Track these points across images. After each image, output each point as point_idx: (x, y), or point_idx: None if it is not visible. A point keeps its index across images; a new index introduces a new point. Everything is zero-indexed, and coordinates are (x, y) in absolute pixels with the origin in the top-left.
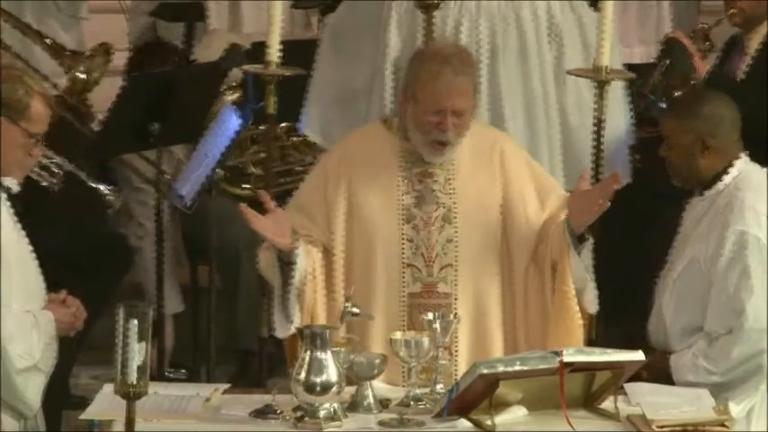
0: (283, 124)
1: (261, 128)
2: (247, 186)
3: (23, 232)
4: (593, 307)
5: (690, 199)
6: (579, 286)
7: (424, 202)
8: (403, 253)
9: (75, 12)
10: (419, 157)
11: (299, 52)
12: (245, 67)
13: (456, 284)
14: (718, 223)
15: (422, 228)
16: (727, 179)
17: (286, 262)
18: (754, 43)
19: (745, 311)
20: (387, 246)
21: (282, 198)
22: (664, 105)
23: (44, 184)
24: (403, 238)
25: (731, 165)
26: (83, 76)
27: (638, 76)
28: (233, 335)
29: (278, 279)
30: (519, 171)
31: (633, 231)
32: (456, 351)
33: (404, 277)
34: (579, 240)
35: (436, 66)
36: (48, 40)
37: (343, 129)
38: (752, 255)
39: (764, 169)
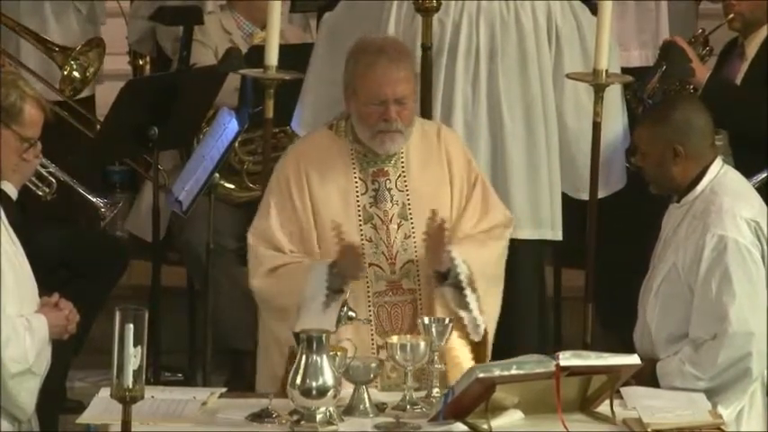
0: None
1: (257, 134)
2: (253, 186)
3: (14, 236)
4: (475, 335)
5: (669, 207)
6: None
7: (379, 200)
8: (364, 253)
9: (96, 15)
10: (371, 156)
11: (297, 56)
12: (244, 71)
13: (418, 279)
14: (697, 228)
15: (380, 226)
16: (702, 184)
17: (336, 289)
18: (752, 47)
19: (729, 316)
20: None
21: None
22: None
23: (39, 193)
24: (363, 239)
25: (706, 170)
26: (76, 73)
27: (636, 79)
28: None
29: (321, 301)
30: (458, 160)
31: (630, 237)
32: None
33: (367, 277)
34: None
35: (371, 56)
36: (38, 37)
37: None
38: (732, 258)
39: (738, 173)
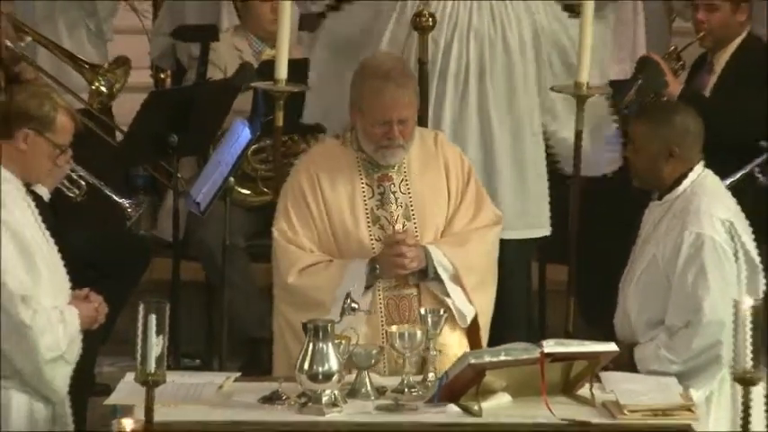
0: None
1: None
2: (266, 191)
3: (48, 233)
4: (461, 322)
5: (650, 204)
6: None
7: (385, 202)
8: (374, 251)
9: (103, 32)
10: (376, 163)
11: (305, 70)
12: (255, 83)
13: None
14: (676, 225)
15: (386, 226)
16: (684, 185)
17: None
18: (721, 62)
19: (703, 307)
20: (359, 247)
21: None
22: (633, 115)
23: (70, 195)
24: (371, 239)
25: (688, 172)
26: (104, 88)
27: (614, 91)
28: (242, 325)
29: (362, 284)
30: (456, 165)
31: (612, 235)
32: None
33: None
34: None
35: (378, 82)
36: (71, 55)
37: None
38: (707, 255)
39: (716, 176)
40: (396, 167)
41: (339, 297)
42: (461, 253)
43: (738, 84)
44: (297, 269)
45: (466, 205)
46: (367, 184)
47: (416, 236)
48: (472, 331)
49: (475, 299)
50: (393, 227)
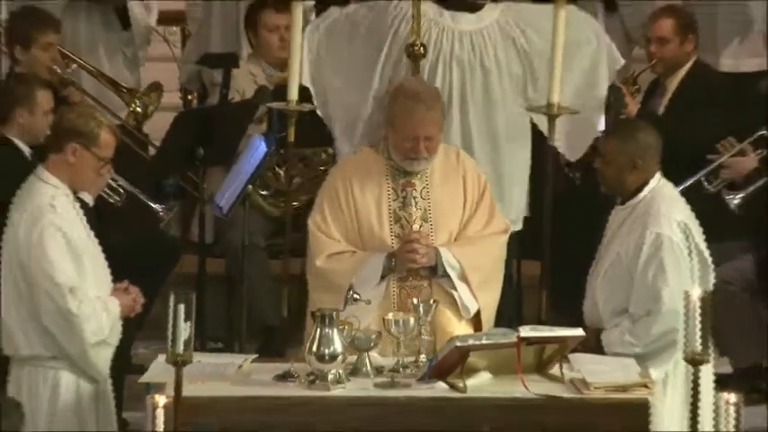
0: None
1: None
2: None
3: (92, 234)
4: (464, 314)
5: (614, 208)
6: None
7: (406, 205)
8: (392, 246)
9: (138, 59)
10: (402, 170)
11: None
12: (271, 104)
13: (433, 265)
14: (638, 227)
15: (405, 225)
16: (644, 192)
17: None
18: (672, 85)
19: (662, 298)
20: (381, 242)
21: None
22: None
23: (110, 200)
24: (392, 235)
25: (649, 180)
26: (140, 109)
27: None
28: (259, 314)
29: (377, 275)
30: (473, 180)
31: (581, 235)
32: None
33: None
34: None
35: (411, 102)
36: (111, 80)
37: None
38: (666, 252)
39: (671, 184)
40: (419, 175)
41: (358, 283)
42: (469, 254)
43: (688, 105)
44: (325, 255)
45: (479, 214)
46: (393, 188)
47: (431, 236)
48: (477, 325)
49: (479, 295)
50: (411, 226)
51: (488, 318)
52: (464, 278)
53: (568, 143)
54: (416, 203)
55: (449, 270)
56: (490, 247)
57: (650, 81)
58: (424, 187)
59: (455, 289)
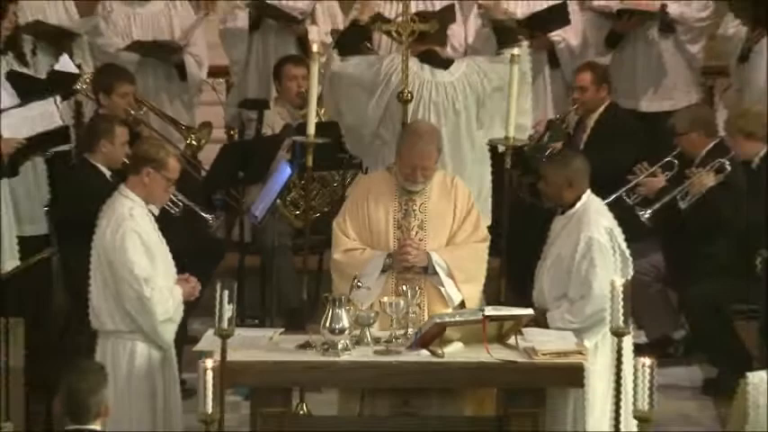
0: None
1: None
2: (298, 213)
3: (161, 235)
4: (450, 303)
5: (555, 217)
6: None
7: (407, 216)
8: (393, 247)
9: (192, 104)
10: (406, 189)
11: (327, 129)
12: (295, 138)
13: (425, 265)
14: (574, 232)
15: (405, 232)
16: (578, 205)
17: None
18: (590, 123)
19: (593, 286)
20: (385, 244)
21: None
22: (544, 159)
23: (171, 211)
24: (394, 238)
25: (581, 196)
26: (194, 142)
27: (536, 148)
28: (285, 298)
29: (378, 270)
30: (463, 201)
31: (530, 238)
32: (424, 304)
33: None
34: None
35: (414, 138)
36: (172, 120)
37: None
38: (596, 251)
39: (599, 198)
40: (419, 193)
41: (364, 275)
42: (455, 257)
43: (603, 139)
44: (342, 249)
45: (466, 226)
46: (398, 202)
47: (424, 242)
48: None
49: (463, 289)
50: (410, 233)
51: (473, 306)
52: (450, 275)
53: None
54: (415, 215)
55: (438, 269)
56: (473, 251)
57: (576, 120)
58: (422, 203)
59: (442, 285)
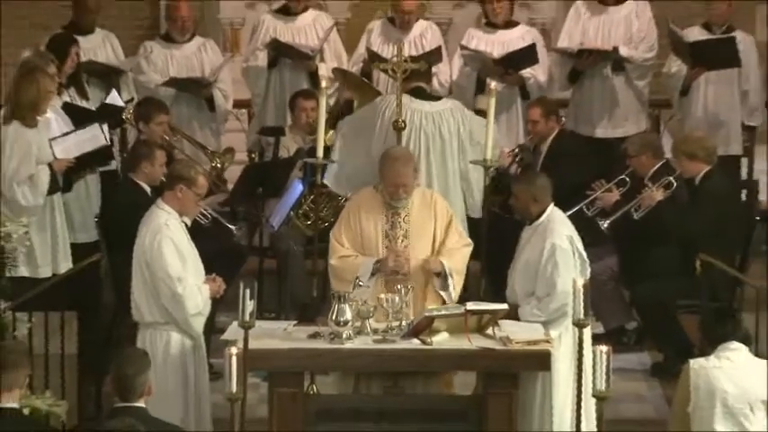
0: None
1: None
2: (309, 223)
3: (191, 242)
4: (448, 300)
5: (524, 227)
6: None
7: (393, 227)
8: (382, 254)
9: (219, 131)
10: (390, 204)
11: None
12: (306, 159)
13: (409, 269)
14: (540, 239)
15: (392, 240)
16: (543, 217)
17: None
18: (544, 149)
19: (557, 284)
20: (375, 251)
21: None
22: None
23: (201, 222)
24: (382, 246)
25: (545, 208)
26: (219, 164)
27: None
28: (297, 295)
29: (368, 273)
30: (442, 213)
31: (505, 245)
32: (410, 301)
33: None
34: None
35: (391, 161)
36: (201, 145)
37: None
38: (559, 255)
39: (560, 210)
40: (402, 207)
41: (358, 276)
42: (453, 262)
43: (556, 161)
44: (337, 256)
45: (452, 234)
46: (385, 215)
47: (407, 248)
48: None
49: (456, 286)
50: (396, 241)
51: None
52: (452, 277)
53: None
54: (400, 226)
55: (448, 275)
56: (462, 254)
57: (532, 147)
58: (406, 215)
59: (444, 289)
